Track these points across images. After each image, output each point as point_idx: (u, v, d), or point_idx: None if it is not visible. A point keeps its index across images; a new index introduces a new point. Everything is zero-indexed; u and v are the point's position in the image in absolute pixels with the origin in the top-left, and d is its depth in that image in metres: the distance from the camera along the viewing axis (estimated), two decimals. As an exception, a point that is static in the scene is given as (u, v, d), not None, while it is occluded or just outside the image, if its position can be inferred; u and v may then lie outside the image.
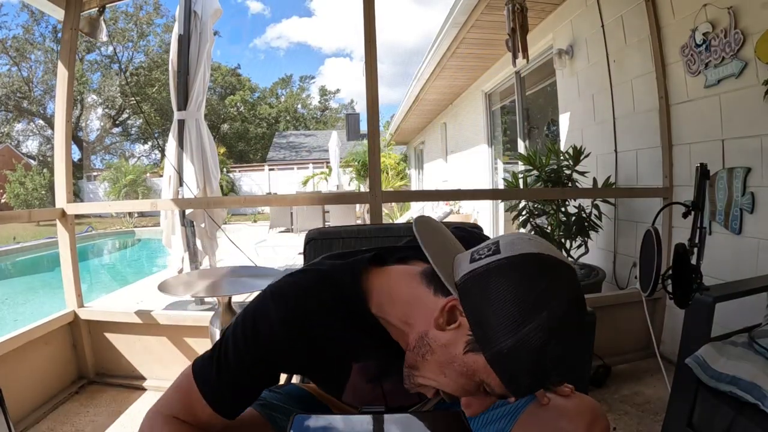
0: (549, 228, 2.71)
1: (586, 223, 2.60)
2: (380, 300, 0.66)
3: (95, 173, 18.16)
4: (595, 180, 2.57)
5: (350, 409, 0.85)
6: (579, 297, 0.57)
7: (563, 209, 2.64)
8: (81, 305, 2.20)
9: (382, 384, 0.70)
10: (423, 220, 0.66)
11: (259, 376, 0.66)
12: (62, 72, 2.16)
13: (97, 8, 2.31)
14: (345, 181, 13.95)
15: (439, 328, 0.59)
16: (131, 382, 2.15)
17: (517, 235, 0.62)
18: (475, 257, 0.59)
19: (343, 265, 0.70)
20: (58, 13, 2.18)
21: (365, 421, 0.55)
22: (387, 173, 12.47)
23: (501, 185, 5.49)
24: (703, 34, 1.96)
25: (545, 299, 0.53)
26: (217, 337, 1.73)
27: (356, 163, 13.88)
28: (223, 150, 19.96)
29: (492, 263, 0.56)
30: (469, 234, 0.80)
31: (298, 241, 7.00)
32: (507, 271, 0.55)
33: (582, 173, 2.65)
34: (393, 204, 8.81)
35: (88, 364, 2.18)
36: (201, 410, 0.65)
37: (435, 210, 7.16)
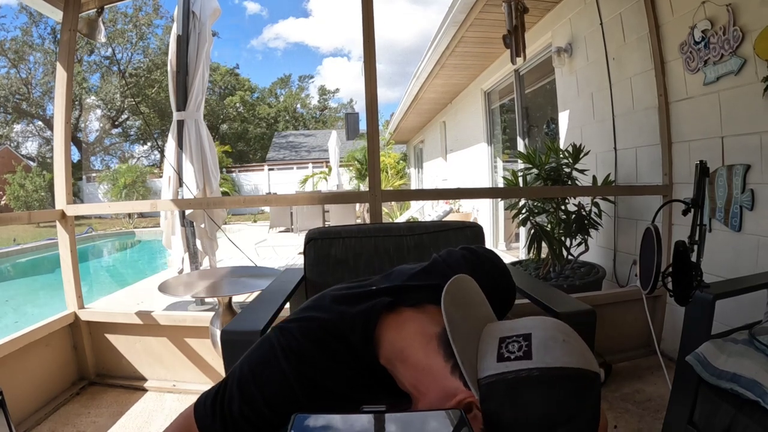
0: (549, 226, 2.71)
1: (586, 221, 2.60)
2: (391, 355, 0.66)
3: (94, 174, 18.18)
4: (594, 178, 2.57)
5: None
6: (598, 407, 0.56)
7: (563, 207, 2.64)
8: (81, 306, 2.20)
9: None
10: (453, 297, 0.63)
11: (267, 425, 0.66)
12: (61, 73, 2.16)
13: (95, 9, 2.31)
14: (345, 180, 13.95)
15: None
16: (132, 383, 2.15)
17: (549, 330, 0.58)
18: (503, 354, 0.56)
19: (354, 316, 0.68)
20: (56, 15, 2.18)
21: (365, 420, 0.55)
22: (387, 172, 12.47)
23: (501, 184, 5.49)
24: (702, 32, 1.96)
25: (570, 417, 0.53)
26: (218, 337, 1.73)
27: (356, 162, 13.88)
28: (228, 148, 19.76)
29: (522, 372, 0.54)
30: (477, 258, 0.80)
31: (298, 240, 7.00)
32: (538, 386, 0.53)
33: (582, 171, 2.65)
34: (393, 203, 8.81)
35: (89, 365, 2.18)
36: None
37: (435, 208, 7.16)
